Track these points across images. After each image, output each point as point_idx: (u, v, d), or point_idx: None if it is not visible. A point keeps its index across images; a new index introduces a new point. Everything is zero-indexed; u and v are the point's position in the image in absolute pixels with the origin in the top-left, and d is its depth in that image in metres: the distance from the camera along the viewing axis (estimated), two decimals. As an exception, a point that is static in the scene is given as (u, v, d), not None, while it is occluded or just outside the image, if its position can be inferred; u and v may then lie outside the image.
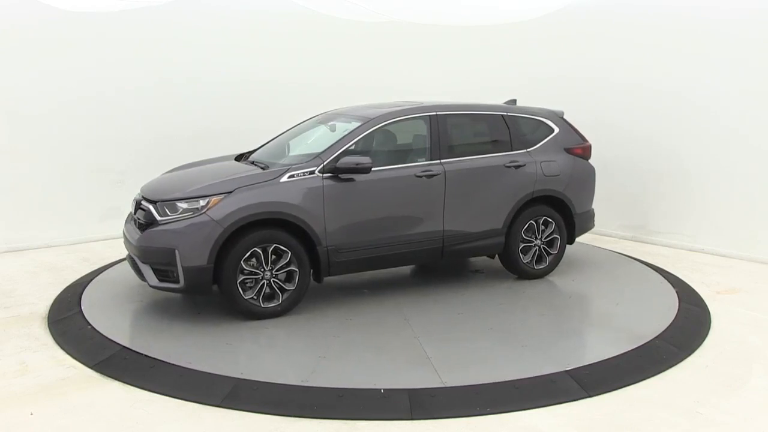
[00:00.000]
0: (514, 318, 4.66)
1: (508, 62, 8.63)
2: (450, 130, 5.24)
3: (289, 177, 4.56)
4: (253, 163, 5.08)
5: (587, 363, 3.78)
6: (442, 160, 5.10)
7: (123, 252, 5.17)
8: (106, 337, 4.15)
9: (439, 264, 6.15)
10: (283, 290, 4.57)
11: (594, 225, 6.05)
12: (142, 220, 4.60)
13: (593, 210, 6.00)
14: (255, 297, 4.48)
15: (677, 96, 6.97)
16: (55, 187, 7.01)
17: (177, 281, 4.37)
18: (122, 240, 5.00)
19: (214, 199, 4.38)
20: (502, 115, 5.53)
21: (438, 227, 5.07)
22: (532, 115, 5.70)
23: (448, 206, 5.07)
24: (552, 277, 5.61)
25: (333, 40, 8.62)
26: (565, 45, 8.07)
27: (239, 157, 5.47)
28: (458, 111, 5.38)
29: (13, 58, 6.70)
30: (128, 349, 3.98)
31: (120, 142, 7.34)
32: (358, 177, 4.72)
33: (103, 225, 7.19)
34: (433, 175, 5.01)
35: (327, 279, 5.47)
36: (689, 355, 4.02)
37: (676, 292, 5.20)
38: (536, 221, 5.49)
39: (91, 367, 3.77)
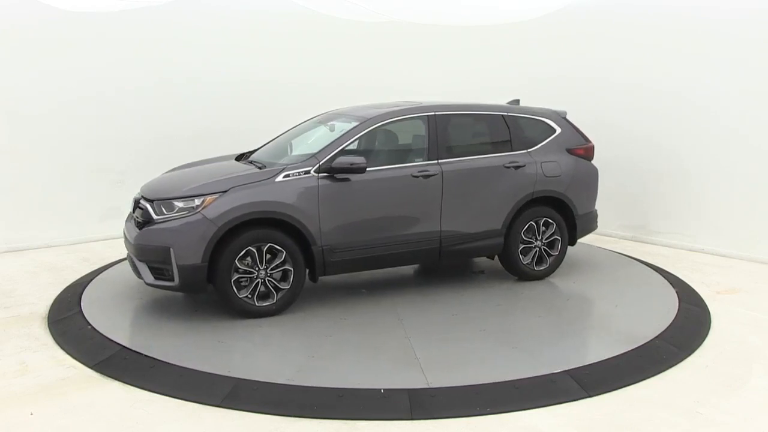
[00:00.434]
0: (509, 320, 4.64)
1: (508, 62, 8.63)
2: (448, 131, 5.24)
3: (284, 177, 4.58)
4: (251, 162, 5.09)
5: (585, 364, 3.77)
6: (440, 161, 5.09)
7: (123, 252, 5.17)
8: (106, 337, 4.15)
9: (444, 264, 6.14)
10: (278, 289, 4.59)
11: (597, 226, 6.00)
12: (140, 219, 4.64)
13: (596, 211, 5.95)
14: (249, 296, 4.50)
15: (677, 96, 6.97)
16: (55, 187, 7.01)
17: (172, 279, 4.41)
18: (122, 240, 5.02)
19: (208, 198, 4.41)
20: (502, 115, 5.50)
21: (435, 228, 5.06)
22: (534, 115, 5.67)
23: (445, 207, 5.06)
24: (552, 279, 5.59)
25: (333, 40, 8.62)
26: (565, 45, 8.07)
27: (240, 157, 5.47)
28: (457, 111, 5.36)
29: (13, 58, 6.71)
30: (128, 349, 3.98)
31: (120, 142, 7.34)
32: (353, 177, 4.72)
33: (103, 225, 7.19)
34: (429, 176, 4.99)
35: (326, 279, 5.49)
36: (689, 355, 4.01)
37: (676, 292, 5.19)
38: (536, 222, 5.45)
39: (91, 367, 3.77)
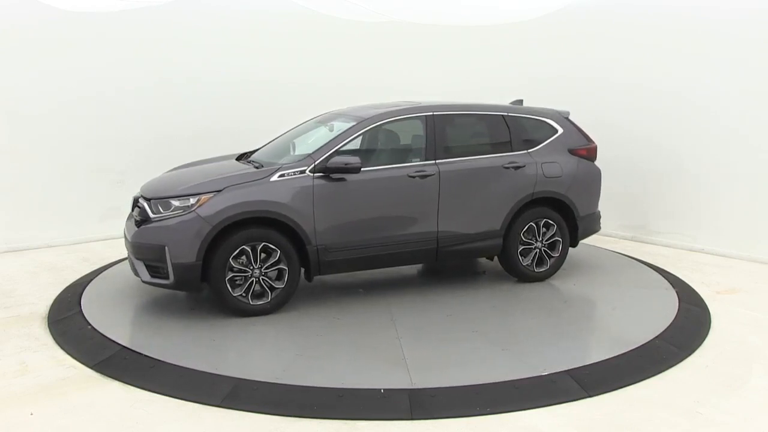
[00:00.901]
0: (504, 321, 4.62)
1: (508, 62, 8.63)
2: (447, 131, 5.22)
3: (279, 176, 4.60)
4: (250, 162, 5.10)
5: (585, 364, 3.77)
6: (438, 161, 5.07)
7: (123, 252, 5.18)
8: (106, 337, 4.16)
9: (446, 265, 6.14)
10: (272, 288, 4.61)
11: (600, 228, 5.94)
12: (138, 218, 4.69)
13: (599, 212, 5.88)
14: (244, 294, 4.53)
15: (677, 96, 6.97)
16: (55, 187, 7.01)
17: (167, 277, 4.45)
18: (123, 240, 5.04)
19: (203, 197, 4.44)
20: (502, 115, 5.47)
21: (432, 228, 5.05)
22: (535, 115, 5.63)
23: (442, 207, 5.04)
24: (552, 279, 5.56)
25: (333, 40, 8.62)
26: (565, 45, 8.07)
27: (241, 157, 5.48)
28: (456, 111, 5.35)
29: (13, 58, 6.71)
30: (128, 349, 3.98)
31: (120, 142, 7.35)
32: (349, 177, 4.73)
33: (103, 225, 7.19)
34: (426, 176, 4.98)
35: (324, 278, 5.51)
36: (689, 355, 4.01)
37: (676, 292, 5.19)
38: (536, 223, 5.42)
39: (91, 367, 3.77)
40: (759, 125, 6.33)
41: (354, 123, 5.00)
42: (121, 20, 7.30)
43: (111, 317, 4.58)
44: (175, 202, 4.49)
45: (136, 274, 4.67)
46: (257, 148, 5.75)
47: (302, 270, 4.79)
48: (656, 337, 4.21)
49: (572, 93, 7.64)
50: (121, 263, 6.00)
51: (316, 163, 4.69)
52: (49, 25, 6.87)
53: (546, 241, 5.48)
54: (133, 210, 4.93)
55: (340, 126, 5.13)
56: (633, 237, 7.44)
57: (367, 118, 5.02)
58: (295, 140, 5.52)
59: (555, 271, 5.58)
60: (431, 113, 5.19)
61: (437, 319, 4.59)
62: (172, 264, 4.38)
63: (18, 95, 6.76)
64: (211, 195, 4.45)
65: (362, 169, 4.73)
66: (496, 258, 5.62)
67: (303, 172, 4.66)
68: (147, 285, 4.77)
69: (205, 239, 4.37)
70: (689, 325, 4.51)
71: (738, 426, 3.14)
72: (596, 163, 5.85)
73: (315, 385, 3.47)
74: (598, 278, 5.69)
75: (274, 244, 4.54)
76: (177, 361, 3.77)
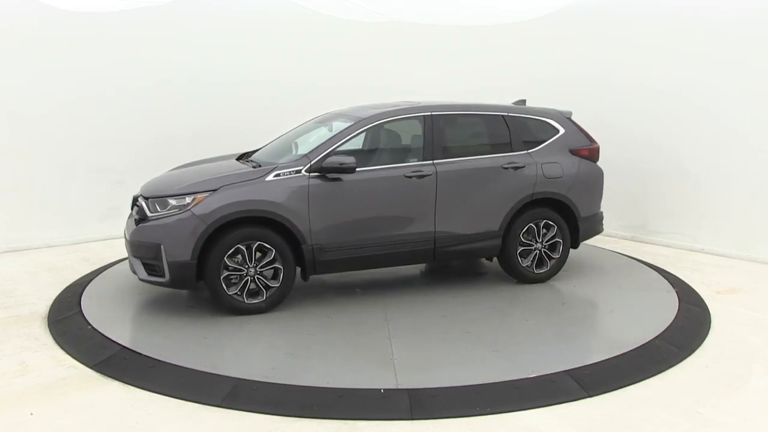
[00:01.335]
0: (499, 322, 4.59)
1: (508, 62, 8.63)
2: (445, 131, 5.21)
3: (275, 176, 4.62)
4: (250, 162, 5.11)
5: (585, 364, 3.77)
6: (435, 161, 5.06)
7: (123, 252, 5.18)
8: (106, 337, 4.16)
9: (450, 265, 6.12)
10: (267, 287, 4.63)
11: (603, 229, 5.89)
12: (137, 216, 4.73)
13: (602, 213, 5.84)
14: (239, 293, 4.55)
15: (677, 96, 6.97)
16: (55, 187, 7.01)
17: (163, 275, 4.49)
18: (123, 239, 5.04)
19: (199, 196, 4.48)
20: (502, 115, 5.45)
21: (429, 228, 5.03)
22: (537, 115, 5.60)
23: (439, 207, 5.03)
24: (552, 279, 5.53)
25: (333, 40, 8.62)
26: (565, 45, 8.07)
27: (241, 157, 5.49)
28: (455, 111, 5.34)
29: (13, 58, 6.71)
30: (128, 349, 3.98)
31: (120, 142, 7.35)
32: (345, 177, 4.74)
33: (103, 225, 7.19)
34: (423, 176, 4.97)
35: (322, 278, 5.52)
36: (689, 355, 4.01)
37: (676, 292, 5.19)
38: (536, 224, 5.38)
39: (91, 367, 3.77)
40: (759, 125, 6.33)
41: (351, 123, 5.00)
42: (121, 20, 7.30)
43: (111, 317, 4.58)
44: (172, 201, 4.53)
45: (134, 272, 4.72)
46: (258, 148, 5.76)
47: (299, 269, 4.81)
48: (656, 337, 4.21)
49: (572, 93, 7.64)
50: (121, 263, 6.00)
51: (312, 162, 4.71)
52: (49, 25, 6.87)
53: (546, 242, 5.45)
54: (132, 209, 4.97)
55: (339, 126, 5.13)
56: (633, 237, 7.44)
57: (364, 118, 5.03)
58: (297, 140, 5.52)
59: (555, 273, 5.54)
60: (429, 113, 5.18)
61: (432, 319, 4.57)
62: (168, 262, 4.42)
63: (18, 95, 6.76)
64: (207, 194, 4.48)
65: (359, 169, 4.74)
66: (496, 259, 5.61)
67: (299, 171, 4.68)
68: (147, 285, 4.78)
69: (200, 238, 4.40)
70: (689, 325, 4.51)
71: (738, 426, 3.14)
72: (597, 163, 5.83)
73: (301, 383, 3.48)
74: (598, 279, 5.68)
75: (269, 244, 4.56)
76: (177, 361, 3.77)
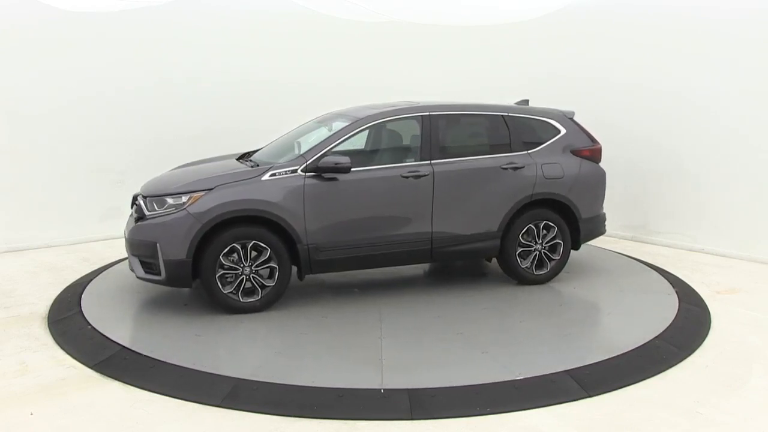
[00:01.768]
0: (493, 323, 4.54)
1: (508, 62, 8.63)
2: (443, 131, 5.19)
3: (271, 175, 4.64)
4: (248, 162, 5.12)
5: (585, 364, 3.77)
6: (432, 161, 5.05)
7: (123, 252, 5.18)
8: (106, 337, 4.16)
9: (451, 266, 6.11)
10: (263, 286, 4.65)
11: (605, 230, 5.83)
12: (136, 215, 4.77)
13: (604, 214, 5.78)
14: (234, 291, 4.58)
15: (677, 96, 6.97)
16: (55, 187, 7.02)
17: (159, 273, 4.53)
18: (123, 239, 5.05)
19: (195, 195, 4.51)
20: (502, 115, 5.42)
21: (426, 228, 5.02)
22: (538, 115, 5.56)
23: (437, 208, 5.01)
24: (553, 282, 5.48)
25: (333, 40, 8.62)
26: (565, 45, 8.07)
27: (242, 157, 5.50)
28: (454, 111, 5.32)
29: (13, 58, 6.71)
30: (128, 349, 3.98)
31: (120, 142, 7.35)
32: (341, 177, 4.74)
33: (103, 225, 7.19)
34: (420, 176, 4.96)
35: (321, 277, 5.51)
36: (689, 355, 4.01)
37: (676, 292, 5.19)
38: (536, 225, 5.34)
39: (91, 367, 3.77)
40: (759, 125, 6.32)
41: (348, 123, 5.01)
42: (121, 20, 7.30)
43: (111, 317, 4.58)
44: (169, 200, 4.58)
45: (132, 270, 4.77)
46: (259, 148, 5.76)
47: (295, 269, 4.82)
48: (656, 337, 4.21)
49: (572, 93, 7.64)
50: (121, 263, 6.00)
51: (308, 162, 4.72)
52: (49, 25, 6.87)
53: (546, 243, 5.40)
54: (132, 208, 5.00)
55: (338, 126, 5.14)
56: (633, 237, 7.44)
57: (362, 118, 5.03)
58: (299, 140, 5.53)
59: (556, 274, 5.50)
60: (427, 113, 5.17)
61: (425, 320, 4.56)
62: (164, 260, 4.47)
63: (18, 95, 6.76)
64: (202, 193, 4.51)
65: (355, 169, 4.75)
66: (496, 260, 5.59)
67: (294, 171, 4.69)
68: (147, 285, 4.79)
69: (195, 236, 4.44)
70: (689, 325, 4.50)
71: (738, 426, 3.14)
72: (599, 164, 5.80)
73: (286, 382, 3.49)
74: (598, 279, 5.67)
75: (265, 243, 4.58)
76: (177, 361, 3.77)
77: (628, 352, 3.96)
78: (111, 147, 7.30)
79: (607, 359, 3.84)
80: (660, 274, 5.82)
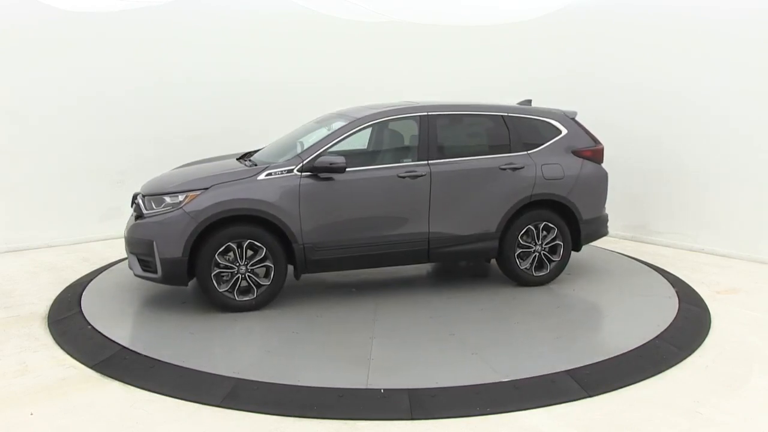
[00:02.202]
0: (487, 325, 4.49)
1: (508, 62, 8.63)
2: (441, 131, 5.18)
3: (267, 175, 4.66)
4: (248, 162, 5.13)
5: (585, 364, 3.76)
6: (430, 161, 5.04)
7: (123, 252, 5.18)
8: (106, 337, 4.16)
9: (452, 267, 6.11)
10: (258, 285, 4.67)
11: (608, 231, 5.78)
12: (135, 214, 4.82)
13: (606, 215, 5.72)
14: (229, 290, 4.61)
15: (678, 96, 6.97)
16: (55, 187, 7.02)
17: (156, 272, 4.57)
18: (123, 239, 5.06)
19: (191, 194, 4.55)
20: (502, 116, 5.39)
21: (423, 229, 5.01)
22: (538, 116, 5.51)
23: (433, 208, 5.00)
24: (552, 283, 5.44)
25: (333, 40, 8.61)
26: (565, 45, 8.07)
27: (243, 156, 5.50)
28: (452, 111, 5.31)
29: (13, 58, 6.71)
30: (128, 349, 3.98)
31: (120, 142, 7.35)
32: (337, 176, 4.75)
33: (103, 225, 7.19)
34: (417, 176, 4.95)
35: (319, 277, 5.51)
36: (689, 355, 4.01)
37: (676, 292, 5.19)
38: (536, 226, 5.30)
39: (91, 367, 3.77)
40: (759, 125, 6.32)
41: (345, 123, 5.01)
42: (121, 20, 7.30)
43: (111, 317, 4.58)
44: (167, 199, 4.61)
45: (131, 267, 4.81)
46: (260, 148, 5.75)
47: (291, 268, 4.83)
48: (656, 337, 4.21)
49: (572, 93, 7.64)
50: (121, 263, 6.00)
51: (304, 162, 4.74)
52: (49, 25, 6.87)
53: (546, 244, 5.36)
54: (132, 207, 5.03)
55: (337, 126, 5.14)
56: (633, 237, 7.44)
57: (359, 119, 5.03)
58: (302, 140, 5.53)
59: (556, 276, 5.45)
60: (425, 113, 5.16)
61: (418, 320, 4.54)
62: (160, 259, 4.51)
63: (18, 95, 6.76)
64: (199, 192, 4.55)
65: (351, 169, 4.75)
66: (494, 261, 5.57)
67: (290, 171, 4.71)
68: (147, 284, 4.80)
69: (191, 235, 4.47)
70: (689, 325, 4.50)
71: (738, 426, 3.14)
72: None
73: (269, 381, 3.51)
74: (598, 279, 5.67)
75: (260, 242, 4.61)
76: (177, 361, 3.77)
77: (628, 352, 3.95)
78: (111, 147, 7.30)
79: (607, 359, 3.84)
80: (660, 274, 5.82)
